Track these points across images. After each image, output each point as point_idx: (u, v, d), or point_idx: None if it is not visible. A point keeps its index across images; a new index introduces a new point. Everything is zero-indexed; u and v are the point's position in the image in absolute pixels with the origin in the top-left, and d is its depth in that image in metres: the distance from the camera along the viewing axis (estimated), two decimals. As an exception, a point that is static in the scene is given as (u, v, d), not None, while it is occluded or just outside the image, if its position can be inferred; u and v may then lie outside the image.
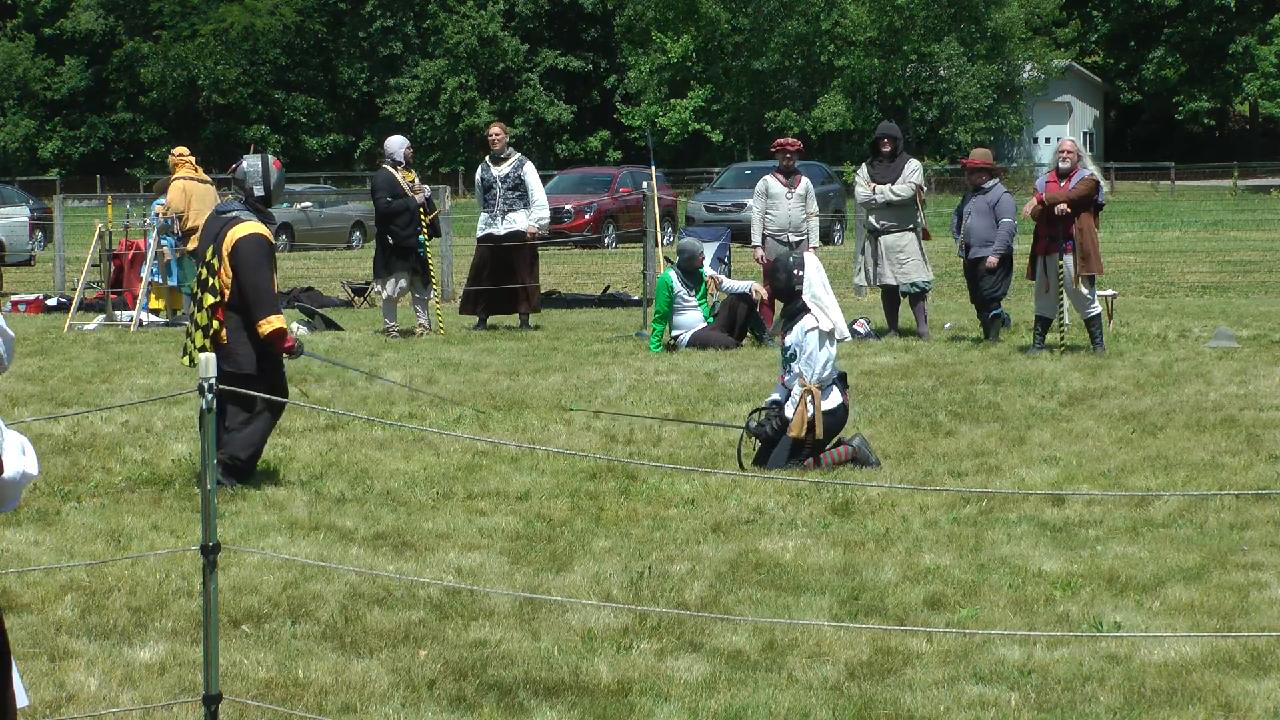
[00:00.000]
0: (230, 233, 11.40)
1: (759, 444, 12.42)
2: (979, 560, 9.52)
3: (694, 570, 9.31)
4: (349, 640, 8.14)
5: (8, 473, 5.27)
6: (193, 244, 23.03)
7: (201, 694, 6.87)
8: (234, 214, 11.56)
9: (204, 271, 11.45)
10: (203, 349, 11.25)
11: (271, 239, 11.62)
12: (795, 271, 12.45)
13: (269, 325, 11.30)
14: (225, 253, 11.35)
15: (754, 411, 12.65)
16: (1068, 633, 8.12)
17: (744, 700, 7.26)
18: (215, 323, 11.36)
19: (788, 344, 12.31)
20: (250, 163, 11.88)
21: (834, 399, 12.19)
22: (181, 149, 24.31)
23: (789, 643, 7.98)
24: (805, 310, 12.32)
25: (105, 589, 9.00)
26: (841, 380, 12.37)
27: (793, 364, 12.23)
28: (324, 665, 7.76)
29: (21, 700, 5.56)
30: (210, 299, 11.37)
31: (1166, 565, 9.35)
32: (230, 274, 11.34)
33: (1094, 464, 12.19)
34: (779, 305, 20.10)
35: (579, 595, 8.77)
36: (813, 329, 12.22)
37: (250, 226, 11.46)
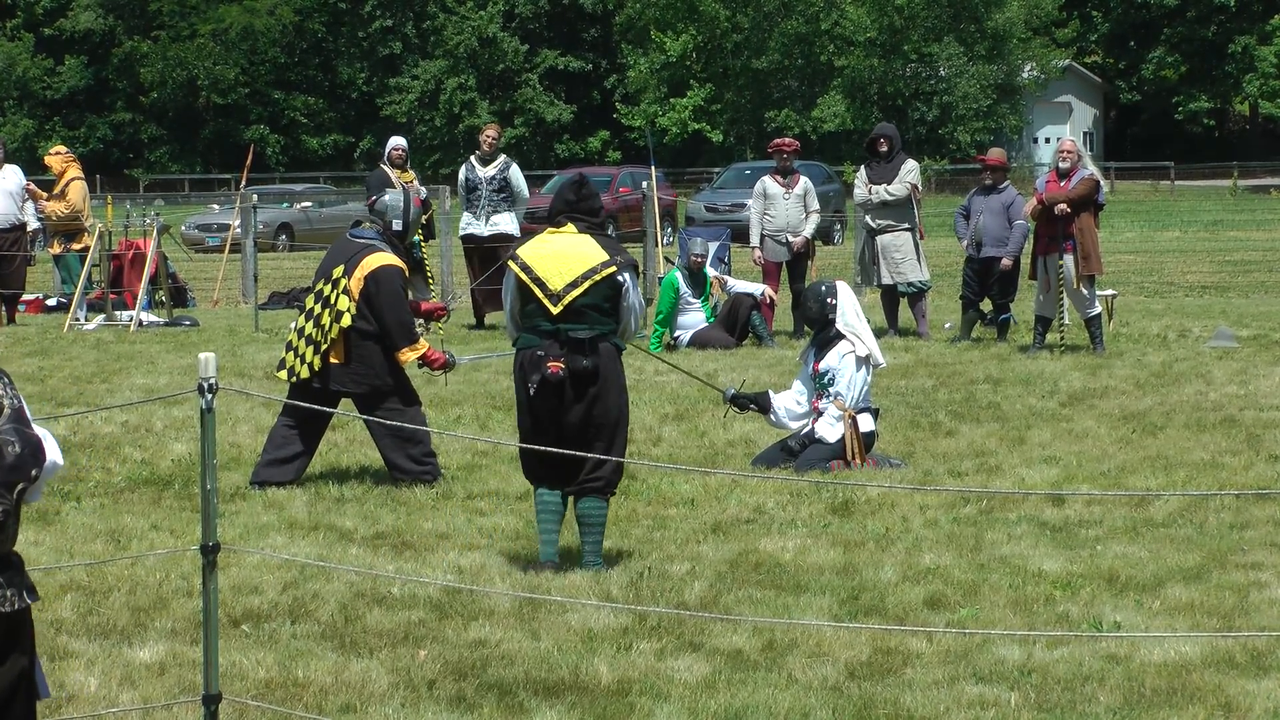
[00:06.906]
0: (367, 260, 11.59)
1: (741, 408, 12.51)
2: (979, 560, 9.52)
3: (694, 570, 9.31)
4: (349, 640, 8.14)
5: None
6: (80, 244, 22.99)
7: (201, 694, 6.87)
8: (369, 242, 11.78)
9: (327, 289, 11.60)
10: (311, 366, 11.53)
11: (406, 271, 11.83)
12: (829, 300, 12.43)
13: (414, 353, 11.63)
14: (359, 277, 11.52)
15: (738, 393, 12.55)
16: (1068, 633, 8.12)
17: (744, 700, 7.26)
18: (329, 341, 11.49)
19: (823, 369, 12.29)
20: (392, 197, 12.16)
21: (866, 424, 12.21)
22: (60, 147, 24.40)
23: (789, 643, 7.98)
24: (840, 337, 12.32)
25: (105, 589, 9.00)
26: (874, 411, 12.40)
27: (830, 388, 12.23)
28: (324, 665, 7.76)
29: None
30: (328, 317, 11.53)
31: (1166, 565, 9.35)
32: (359, 297, 11.50)
33: (1094, 464, 12.19)
34: (778, 308, 20.22)
35: (579, 595, 8.76)
36: (849, 353, 12.24)
37: (387, 257, 11.70)
